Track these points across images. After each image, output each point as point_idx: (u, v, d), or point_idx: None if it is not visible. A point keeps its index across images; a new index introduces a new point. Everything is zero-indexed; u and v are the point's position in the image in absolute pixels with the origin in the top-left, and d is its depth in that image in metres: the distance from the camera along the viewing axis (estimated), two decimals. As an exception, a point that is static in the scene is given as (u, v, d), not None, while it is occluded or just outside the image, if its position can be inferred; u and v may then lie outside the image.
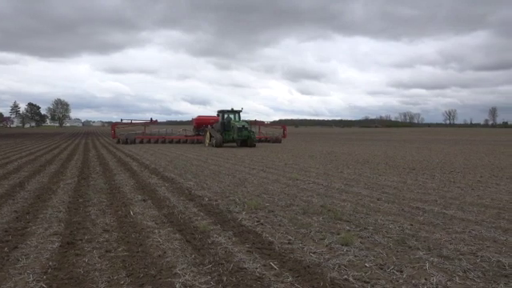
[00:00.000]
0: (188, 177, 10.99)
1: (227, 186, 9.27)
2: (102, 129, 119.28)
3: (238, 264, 4.09)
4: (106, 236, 5.13)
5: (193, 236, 5.11)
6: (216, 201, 7.50)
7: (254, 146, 27.54)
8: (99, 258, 4.30)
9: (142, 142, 31.33)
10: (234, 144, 28.23)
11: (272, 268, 4.01)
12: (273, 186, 9.42)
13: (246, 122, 28.68)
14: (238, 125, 27.23)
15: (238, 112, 29.59)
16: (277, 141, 33.86)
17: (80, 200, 7.55)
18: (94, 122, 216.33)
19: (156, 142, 32.10)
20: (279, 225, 5.71)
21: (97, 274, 3.85)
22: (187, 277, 3.78)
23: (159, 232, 5.32)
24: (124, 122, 34.40)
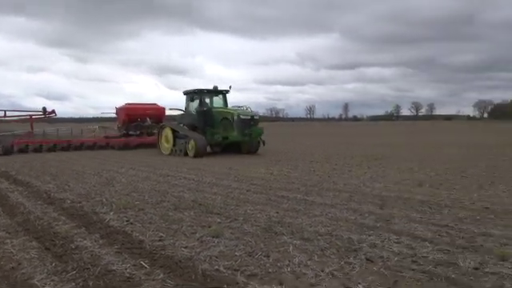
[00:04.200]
0: (46, 179, 10.00)
1: (93, 187, 8.70)
2: None
3: (105, 267, 3.89)
4: None
5: (53, 243, 4.69)
6: (80, 203, 6.99)
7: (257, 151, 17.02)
8: None
9: (25, 151, 18.97)
10: (215, 149, 17.53)
11: (143, 267, 3.91)
12: (143, 183, 9.14)
13: (249, 110, 16.98)
14: (243, 115, 16.01)
15: (224, 94, 17.68)
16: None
17: None
18: None
19: (52, 148, 19.94)
20: (150, 222, 5.58)
21: None
22: (47, 287, 3.47)
23: (12, 242, 4.75)
24: None
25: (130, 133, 23.10)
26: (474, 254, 4.15)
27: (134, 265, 3.97)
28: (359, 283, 3.44)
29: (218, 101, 17.79)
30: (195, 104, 17.20)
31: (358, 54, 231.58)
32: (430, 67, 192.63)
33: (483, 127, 58.95)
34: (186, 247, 4.47)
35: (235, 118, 15.93)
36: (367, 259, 4.02)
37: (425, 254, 4.14)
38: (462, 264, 3.84)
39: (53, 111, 23.16)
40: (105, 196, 7.54)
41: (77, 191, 8.18)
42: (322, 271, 3.71)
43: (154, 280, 3.60)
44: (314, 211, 6.13)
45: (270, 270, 3.77)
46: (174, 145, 17.13)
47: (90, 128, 27.13)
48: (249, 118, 16.16)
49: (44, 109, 22.77)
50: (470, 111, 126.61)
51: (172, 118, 23.20)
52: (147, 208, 6.48)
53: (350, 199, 7.05)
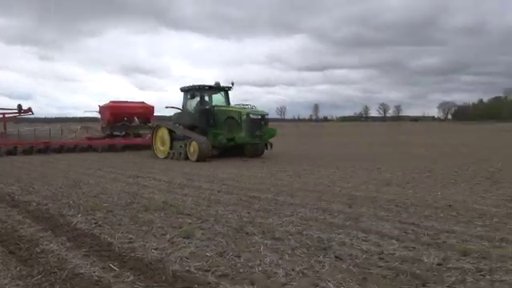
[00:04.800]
0: (9, 181, 9.66)
1: (59, 189, 8.47)
2: None
3: (73, 270, 3.80)
4: None
5: (17, 246, 4.55)
6: (46, 205, 6.80)
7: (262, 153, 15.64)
8: None
9: None
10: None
11: (112, 270, 3.85)
12: (112, 185, 8.97)
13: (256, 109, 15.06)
14: (254, 115, 14.28)
15: (226, 90, 16.16)
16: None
17: None
18: None
19: (28, 151, 17.76)
20: (119, 224, 5.49)
21: None
22: (11, 292, 3.37)
23: (-27, 246, 4.58)
24: None
25: (115, 133, 21.33)
26: (437, 250, 4.30)
27: (103, 267, 3.90)
28: (329, 281, 3.51)
29: (219, 98, 16.19)
30: (194, 102, 15.55)
31: (327, 56, 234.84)
32: (396, 70, 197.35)
33: (447, 128, 60.98)
34: (156, 249, 4.43)
35: (243, 117, 14.18)
36: (336, 257, 4.10)
37: (391, 251, 4.26)
38: (426, 260, 3.98)
39: (29, 109, 21.41)
40: (72, 198, 7.35)
41: (42, 193, 7.95)
42: (293, 270, 3.76)
43: (123, 282, 3.56)
44: (285, 211, 6.19)
45: (241, 270, 3.79)
46: (171, 147, 15.56)
47: (71, 128, 24.71)
48: (259, 117, 14.41)
49: (19, 106, 20.96)
50: (434, 112, 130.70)
51: (162, 118, 22.21)
52: (116, 210, 6.37)
53: (320, 199, 7.16)
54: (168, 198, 7.32)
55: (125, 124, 21.00)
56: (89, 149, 19.35)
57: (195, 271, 3.77)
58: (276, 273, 3.71)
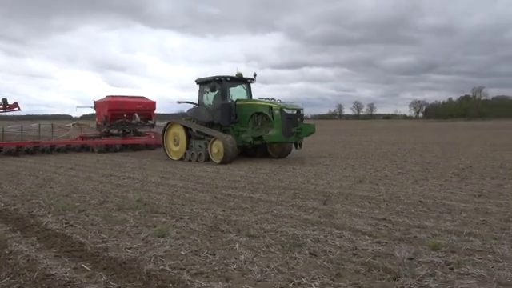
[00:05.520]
0: (-24, 181, 9.33)
1: (28, 188, 8.25)
2: None
3: (43, 271, 3.72)
4: None
5: (-15, 248, 4.41)
6: (15, 205, 6.60)
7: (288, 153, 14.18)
8: None
9: None
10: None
11: (84, 270, 3.78)
12: (84, 184, 8.79)
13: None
14: (288, 110, 12.39)
15: (249, 83, 14.51)
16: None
17: None
18: None
19: (14, 152, 15.86)
20: (91, 224, 5.39)
21: None
22: (-22, 295, 3.26)
23: None
24: None
25: (113, 132, 19.22)
26: (408, 245, 4.41)
27: (75, 268, 3.82)
28: (303, 277, 3.55)
29: (240, 91, 14.36)
30: (212, 95, 13.91)
31: (302, 54, 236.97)
32: (369, 68, 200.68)
33: (418, 126, 62.41)
34: (130, 248, 4.37)
35: (276, 112, 12.32)
36: (311, 253, 4.14)
37: (364, 247, 4.34)
38: (398, 255, 4.07)
39: (15, 104, 18.86)
40: (42, 198, 7.17)
41: (11, 193, 7.72)
42: (268, 267, 3.78)
43: (95, 283, 3.50)
44: (260, 208, 6.22)
45: (216, 268, 3.79)
46: (187, 147, 13.78)
47: (62, 126, 21.91)
48: (295, 112, 12.46)
49: (4, 101, 18.59)
50: (406, 111, 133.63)
51: (162, 115, 20.49)
52: (88, 209, 6.25)
53: (295, 196, 7.21)
54: (142, 196, 7.23)
55: (124, 121, 18.84)
56: (83, 149, 17.80)
57: (170, 270, 3.74)
58: (251, 270, 3.73)
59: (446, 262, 3.88)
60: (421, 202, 6.63)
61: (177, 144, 14.21)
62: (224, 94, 13.55)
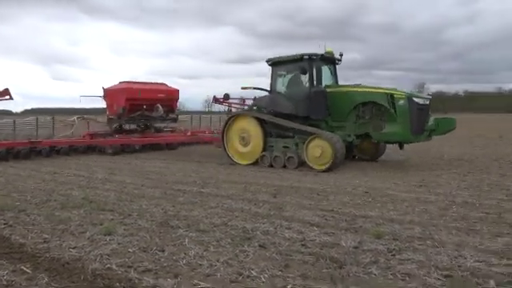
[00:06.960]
0: None
1: (-38, 188, 7.70)
2: None
3: (-22, 276, 3.50)
4: None
5: None
6: None
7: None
8: None
9: None
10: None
11: (24, 272, 3.59)
12: (25, 182, 8.34)
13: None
14: (419, 99, 9.46)
15: (335, 64, 11.31)
16: None
17: None
18: None
19: (3, 156, 11.96)
20: (33, 224, 5.13)
21: None
22: None
23: None
24: None
25: (129, 127, 15.71)
26: (354, 234, 4.57)
27: (14, 270, 3.63)
28: (252, 269, 3.58)
29: (327, 75, 11.00)
30: (292, 81, 10.91)
31: (254, 49, 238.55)
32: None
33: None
34: (74, 247, 4.20)
35: (400, 102, 9.23)
36: (260, 246, 4.19)
37: (312, 238, 4.44)
38: (344, 244, 4.21)
39: (6, 91, 12.73)
40: (-23, 198, 6.73)
41: None
42: (218, 261, 3.78)
43: (36, 285, 3.34)
44: (210, 203, 6.19)
45: (165, 264, 3.73)
46: (265, 148, 10.66)
47: (64, 121, 17.40)
48: (427, 102, 9.62)
49: None
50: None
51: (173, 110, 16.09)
52: (30, 209, 5.94)
53: (246, 190, 7.25)
54: (88, 194, 6.97)
55: (143, 114, 15.22)
56: (94, 149, 14.09)
57: (116, 268, 3.64)
58: (201, 264, 3.71)
59: (388, 249, 4.06)
60: (367, 192, 6.87)
61: (246, 144, 10.86)
62: (318, 77, 10.47)
